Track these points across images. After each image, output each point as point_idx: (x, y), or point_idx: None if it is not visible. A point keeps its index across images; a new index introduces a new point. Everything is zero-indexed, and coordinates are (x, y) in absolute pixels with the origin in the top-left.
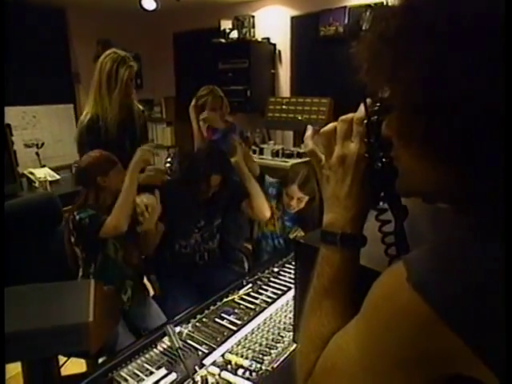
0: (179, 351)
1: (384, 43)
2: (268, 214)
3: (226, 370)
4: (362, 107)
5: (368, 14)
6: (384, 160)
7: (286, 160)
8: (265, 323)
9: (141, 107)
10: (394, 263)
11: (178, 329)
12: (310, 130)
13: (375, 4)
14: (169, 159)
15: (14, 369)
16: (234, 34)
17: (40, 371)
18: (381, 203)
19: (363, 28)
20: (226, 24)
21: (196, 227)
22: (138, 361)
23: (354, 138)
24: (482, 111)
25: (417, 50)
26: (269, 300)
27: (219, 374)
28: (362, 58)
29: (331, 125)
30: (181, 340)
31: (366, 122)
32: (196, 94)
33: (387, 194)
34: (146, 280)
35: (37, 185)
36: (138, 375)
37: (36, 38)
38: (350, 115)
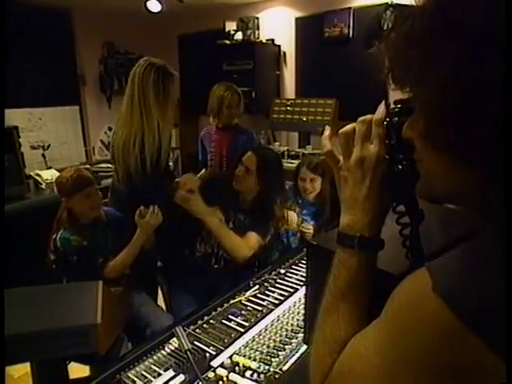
0: (188, 353)
1: (410, 43)
2: (242, 254)
3: (234, 371)
4: (380, 108)
5: (390, 13)
6: (404, 162)
7: (292, 161)
8: (272, 325)
9: None
10: (416, 269)
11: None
12: (327, 131)
13: (394, 4)
14: (170, 163)
15: (22, 369)
16: (239, 36)
17: (49, 372)
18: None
19: (385, 28)
20: (231, 25)
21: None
22: (146, 362)
23: (374, 140)
24: None
25: (447, 51)
26: (276, 302)
27: (227, 376)
28: (385, 58)
29: (350, 126)
30: (188, 341)
31: (386, 123)
32: (215, 97)
33: (406, 196)
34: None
35: (43, 186)
36: (146, 377)
37: (42, 40)
38: (368, 116)
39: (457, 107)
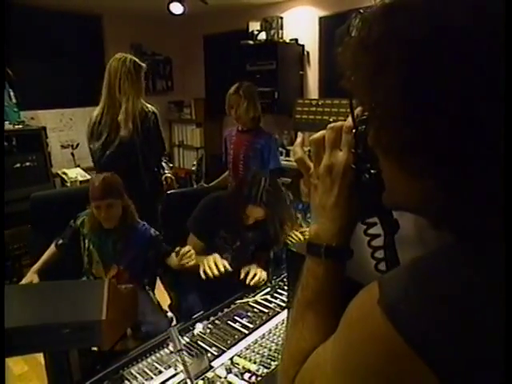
0: (180, 354)
1: (365, 50)
2: None
3: (233, 373)
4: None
5: (357, 19)
6: (372, 171)
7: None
8: (277, 327)
9: None
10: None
11: (197, 327)
12: (299, 138)
13: (364, 8)
14: (194, 162)
15: (24, 367)
16: (262, 36)
17: (59, 362)
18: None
19: (352, 34)
20: (255, 26)
21: (231, 247)
22: (149, 359)
23: (343, 147)
24: (462, 123)
25: (393, 57)
26: (283, 304)
27: (225, 377)
28: (344, 65)
29: (320, 132)
30: (192, 341)
31: (354, 131)
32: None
33: (376, 206)
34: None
35: (68, 184)
36: (148, 373)
37: (74, 44)
38: (339, 123)
39: (402, 115)
